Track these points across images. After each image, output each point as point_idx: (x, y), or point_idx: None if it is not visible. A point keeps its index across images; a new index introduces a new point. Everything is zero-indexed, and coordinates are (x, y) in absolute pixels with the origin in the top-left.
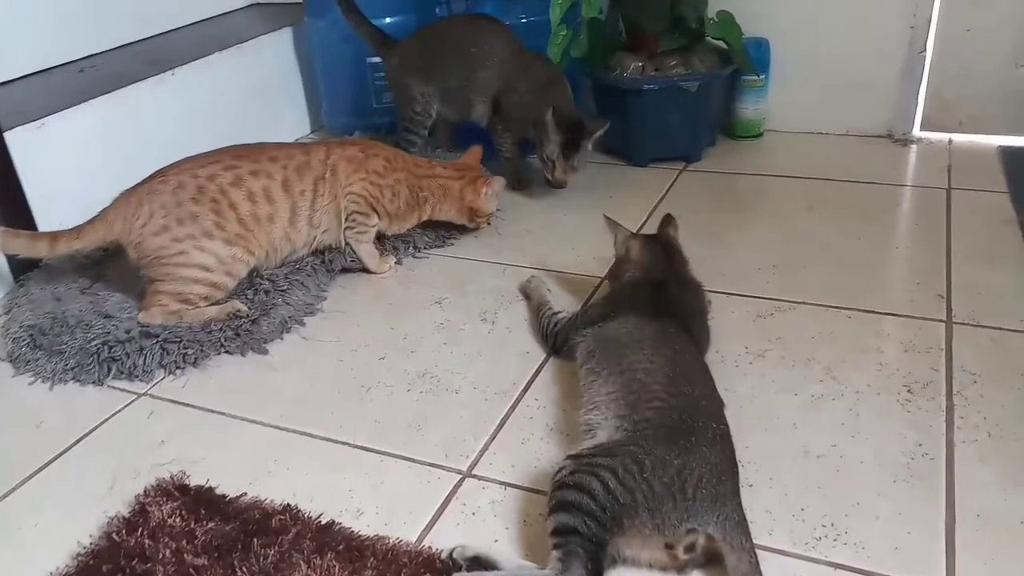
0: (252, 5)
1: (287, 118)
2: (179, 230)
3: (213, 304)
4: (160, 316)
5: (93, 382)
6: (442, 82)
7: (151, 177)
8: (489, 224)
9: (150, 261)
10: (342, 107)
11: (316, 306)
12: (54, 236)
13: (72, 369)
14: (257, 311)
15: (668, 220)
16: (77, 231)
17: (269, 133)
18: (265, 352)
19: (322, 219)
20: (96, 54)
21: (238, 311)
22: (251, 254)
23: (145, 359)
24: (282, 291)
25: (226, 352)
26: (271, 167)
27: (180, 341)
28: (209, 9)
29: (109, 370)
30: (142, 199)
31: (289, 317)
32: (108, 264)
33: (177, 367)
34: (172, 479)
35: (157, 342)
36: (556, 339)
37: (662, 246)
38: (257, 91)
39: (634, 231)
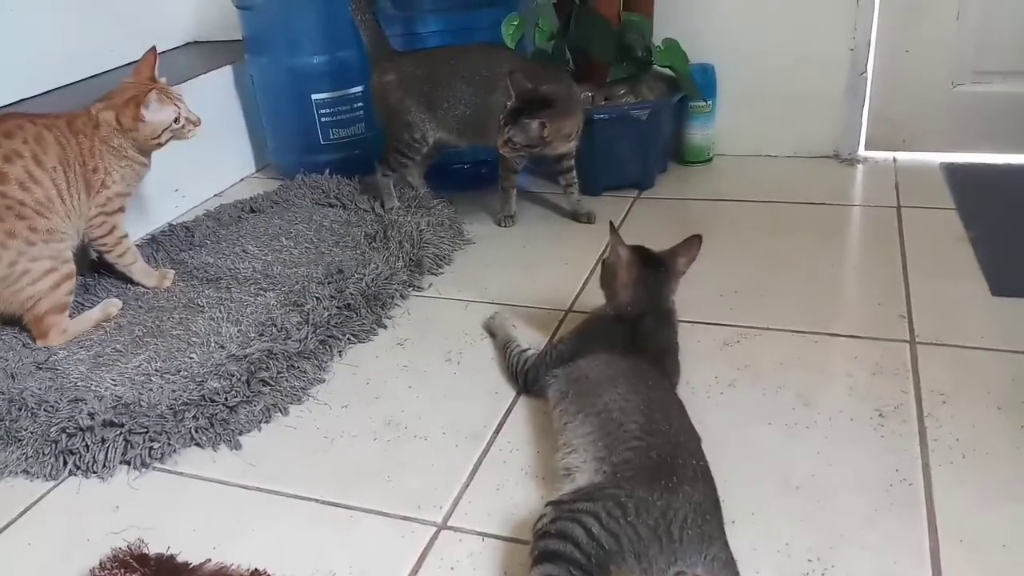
0: (189, 43)
1: (231, 158)
2: (5, 254)
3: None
4: (60, 338)
5: (44, 477)
6: (451, 110)
7: None
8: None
9: (3, 295)
10: (288, 145)
11: (308, 391)
12: None
13: (27, 459)
14: (238, 397)
15: (693, 243)
16: None
17: (213, 174)
18: (239, 447)
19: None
20: (25, 99)
21: (119, 309)
22: (68, 235)
23: (107, 454)
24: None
25: (196, 445)
26: (11, 144)
27: (146, 432)
28: (145, 49)
29: (65, 463)
30: None
31: (273, 405)
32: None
33: (143, 463)
34: (130, 549)
35: (120, 433)
36: (527, 378)
37: (656, 276)
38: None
39: (633, 246)
